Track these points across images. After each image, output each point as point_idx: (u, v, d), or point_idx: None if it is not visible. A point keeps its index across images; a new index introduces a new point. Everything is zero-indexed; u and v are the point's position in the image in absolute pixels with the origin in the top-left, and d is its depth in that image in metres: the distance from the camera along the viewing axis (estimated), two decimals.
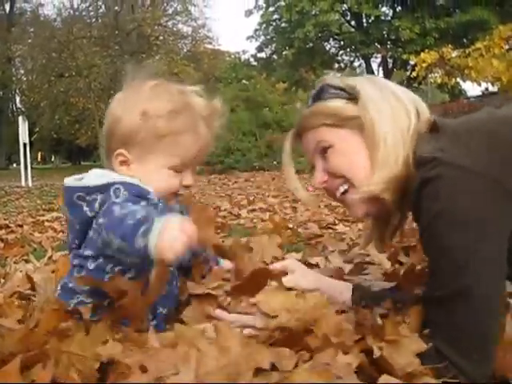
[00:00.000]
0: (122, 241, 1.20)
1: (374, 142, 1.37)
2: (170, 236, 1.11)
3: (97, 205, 1.34)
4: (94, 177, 1.41)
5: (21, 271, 2.36)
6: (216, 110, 1.50)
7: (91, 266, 1.39)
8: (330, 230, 3.75)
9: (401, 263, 2.24)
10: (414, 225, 1.38)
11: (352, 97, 1.42)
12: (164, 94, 1.43)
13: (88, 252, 1.40)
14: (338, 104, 1.43)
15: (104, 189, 1.35)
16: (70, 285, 1.44)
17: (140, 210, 1.23)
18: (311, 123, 1.47)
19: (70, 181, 1.43)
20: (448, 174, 1.19)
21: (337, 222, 4.20)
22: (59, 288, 1.49)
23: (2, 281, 2.28)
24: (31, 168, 14.07)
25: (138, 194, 1.35)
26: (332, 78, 1.51)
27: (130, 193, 1.34)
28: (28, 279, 2.01)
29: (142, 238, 1.14)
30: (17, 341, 1.14)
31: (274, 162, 20.22)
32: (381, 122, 1.37)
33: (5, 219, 5.57)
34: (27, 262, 2.77)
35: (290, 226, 4.06)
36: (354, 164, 1.42)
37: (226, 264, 1.68)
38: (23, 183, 13.27)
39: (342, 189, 1.46)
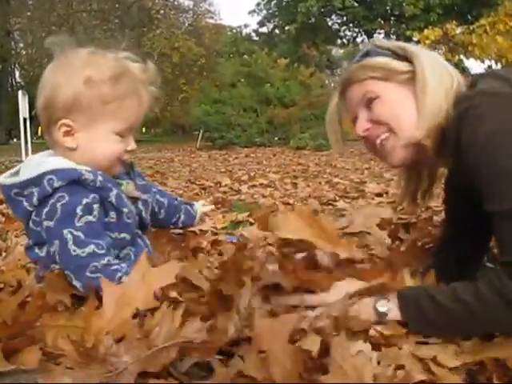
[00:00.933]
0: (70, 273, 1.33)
1: (423, 94, 1.43)
2: None
3: (35, 199, 1.35)
4: (28, 169, 1.41)
5: (21, 245, 2.36)
6: (152, 73, 1.50)
7: (42, 253, 1.43)
8: (331, 207, 3.75)
9: (401, 240, 2.24)
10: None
11: (400, 56, 1.50)
12: (101, 61, 1.42)
13: (32, 242, 1.43)
14: (386, 59, 1.51)
15: (37, 181, 1.35)
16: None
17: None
18: (358, 76, 1.54)
19: (3, 178, 1.44)
20: (488, 99, 1.27)
21: (337, 198, 4.20)
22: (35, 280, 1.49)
23: (4, 254, 2.29)
24: (31, 142, 14.03)
25: (72, 179, 1.34)
26: (380, 40, 1.61)
27: (63, 180, 1.33)
28: None
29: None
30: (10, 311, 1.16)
31: (275, 138, 20.17)
32: (429, 77, 1.43)
33: None
34: None
35: (291, 201, 4.07)
36: (400, 114, 1.48)
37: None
38: (24, 158, 13.25)
39: (383, 136, 1.52)
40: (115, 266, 1.32)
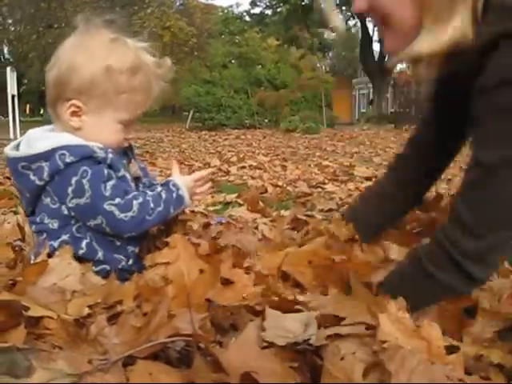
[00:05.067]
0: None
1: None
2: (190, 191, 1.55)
3: (45, 174, 1.36)
4: (34, 142, 1.41)
5: (9, 222, 2.35)
6: (168, 69, 1.52)
7: (54, 226, 1.42)
8: (320, 189, 3.76)
9: None
10: None
11: None
12: (123, 49, 1.43)
13: (47, 219, 1.42)
14: None
15: (48, 155, 1.35)
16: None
17: (136, 203, 1.40)
18: None
19: (10, 151, 1.43)
20: None
21: (326, 181, 4.22)
22: (33, 256, 1.49)
23: None
24: (19, 121, 13.90)
25: (85, 155, 1.36)
26: None
27: (75, 156, 1.35)
28: (19, 229, 2.00)
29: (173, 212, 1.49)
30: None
31: (266, 120, 20.13)
32: None
33: None
34: (16, 213, 2.76)
35: (280, 183, 4.08)
36: (401, 10, 1.21)
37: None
38: (11, 135, 13.10)
39: (381, 30, 1.29)
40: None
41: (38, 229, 1.45)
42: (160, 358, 0.94)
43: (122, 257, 1.46)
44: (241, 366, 0.87)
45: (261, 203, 2.85)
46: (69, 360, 0.85)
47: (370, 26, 28.18)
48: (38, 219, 1.44)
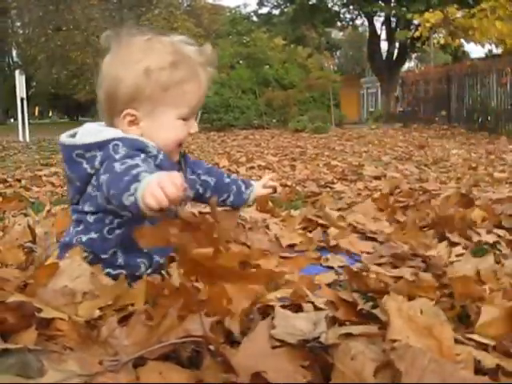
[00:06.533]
0: (112, 197, 1.25)
1: None
2: (153, 188, 1.11)
3: (97, 162, 1.36)
4: (91, 133, 1.42)
5: (19, 224, 2.36)
6: (209, 54, 1.52)
7: (91, 219, 1.42)
8: (329, 189, 3.76)
9: (399, 222, 2.25)
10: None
11: None
12: (159, 46, 1.44)
13: (87, 208, 1.43)
14: None
15: (103, 145, 1.36)
16: (67, 240, 1.46)
17: (136, 166, 1.25)
18: None
19: (66, 138, 1.44)
20: None
21: (335, 180, 4.21)
22: (59, 246, 1.50)
23: (1, 234, 2.29)
24: (28, 123, 13.96)
25: (137, 148, 1.36)
26: None
27: (128, 148, 1.35)
28: (30, 231, 2.01)
29: (130, 195, 1.18)
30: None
31: (274, 120, 20.12)
32: None
33: (3, 174, 5.56)
34: (26, 215, 2.77)
35: (289, 183, 4.07)
36: None
37: None
38: (21, 138, 13.17)
39: None
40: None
41: (77, 217, 1.46)
42: (170, 358, 0.94)
43: (145, 261, 1.44)
44: (251, 366, 0.87)
45: (270, 203, 2.85)
46: (80, 361, 0.86)
47: (377, 24, 28.12)
48: (80, 207, 1.44)
